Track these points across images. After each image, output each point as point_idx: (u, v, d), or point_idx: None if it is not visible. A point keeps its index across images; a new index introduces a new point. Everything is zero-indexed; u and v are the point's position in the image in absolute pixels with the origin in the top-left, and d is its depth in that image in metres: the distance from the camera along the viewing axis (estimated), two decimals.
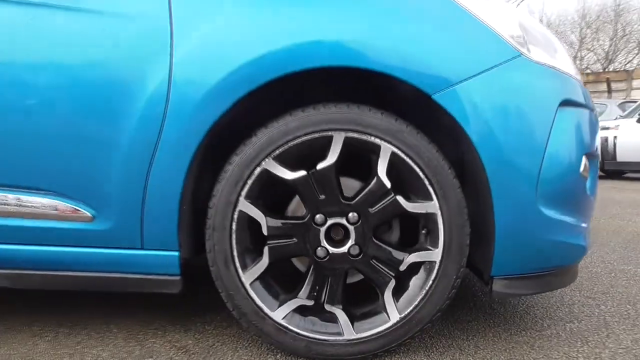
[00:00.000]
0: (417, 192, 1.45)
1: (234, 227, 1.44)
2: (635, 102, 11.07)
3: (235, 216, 1.43)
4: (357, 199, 1.44)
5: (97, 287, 1.51)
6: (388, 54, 1.38)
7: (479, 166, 1.42)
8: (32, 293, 2.01)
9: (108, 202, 1.44)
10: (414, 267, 1.48)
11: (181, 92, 1.39)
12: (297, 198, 1.60)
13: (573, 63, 1.66)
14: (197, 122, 1.40)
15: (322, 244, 1.45)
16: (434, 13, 1.44)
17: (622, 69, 24.46)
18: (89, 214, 1.45)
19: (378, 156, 1.42)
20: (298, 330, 1.46)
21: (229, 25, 1.42)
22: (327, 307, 1.48)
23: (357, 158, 1.50)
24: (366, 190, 1.44)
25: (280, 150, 1.42)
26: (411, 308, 1.46)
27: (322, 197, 1.44)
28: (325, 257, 1.46)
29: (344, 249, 1.46)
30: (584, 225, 1.60)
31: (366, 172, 1.48)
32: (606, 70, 26.07)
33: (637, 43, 29.01)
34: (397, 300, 1.48)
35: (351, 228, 1.45)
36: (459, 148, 1.57)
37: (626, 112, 9.65)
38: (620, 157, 8.55)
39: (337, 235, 1.47)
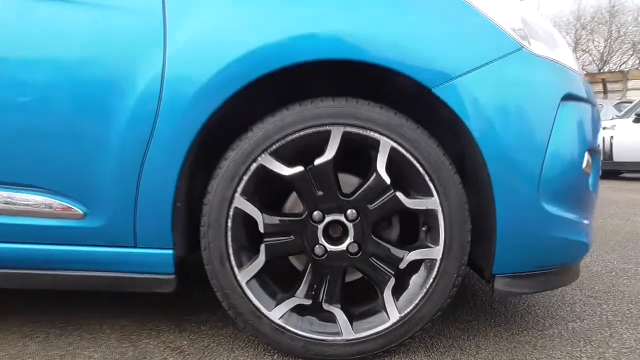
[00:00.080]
0: (417, 188, 1.42)
1: (229, 224, 1.40)
2: (631, 102, 11.08)
3: (231, 213, 1.40)
4: (355, 195, 1.41)
5: (89, 287, 1.47)
6: (387, 47, 1.35)
7: (479, 161, 1.39)
8: (22, 293, 1.96)
9: (100, 199, 1.40)
10: (414, 265, 1.45)
11: (174, 88, 1.36)
12: (294, 195, 1.56)
13: (575, 57, 1.63)
14: (191, 118, 1.36)
15: (320, 242, 1.42)
16: (434, 4, 1.41)
17: (617, 70, 24.54)
18: (80, 212, 1.41)
19: (377, 151, 1.39)
20: (295, 330, 1.43)
21: (224, 18, 1.38)
22: (326, 306, 1.45)
23: (356, 153, 1.46)
24: (365, 186, 1.41)
25: (277, 145, 1.38)
26: (411, 307, 1.43)
27: (320, 193, 1.40)
28: (323, 255, 1.42)
29: (343, 246, 1.42)
30: (586, 222, 1.57)
31: (365, 168, 1.45)
32: (601, 71, 26.15)
33: (631, 44, 29.13)
34: (397, 299, 1.44)
35: (350, 225, 1.41)
36: (458, 143, 1.54)
37: (622, 112, 9.66)
38: (617, 157, 8.55)
39: (335, 233, 1.43)
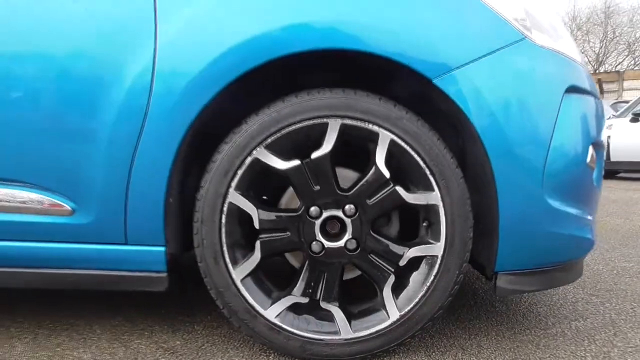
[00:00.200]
0: (417, 182, 1.38)
1: (223, 220, 1.35)
2: (627, 102, 11.09)
3: (225, 208, 1.35)
4: (354, 190, 1.36)
5: (77, 285, 1.42)
6: (385, 36, 1.31)
7: (481, 155, 1.35)
8: (9, 292, 1.91)
9: (88, 195, 1.35)
10: (415, 262, 1.40)
11: (165, 80, 1.31)
12: (290, 190, 1.51)
13: (578, 49, 1.59)
14: (183, 111, 1.32)
15: (317, 238, 1.37)
16: None
17: (613, 71, 24.60)
18: (68, 207, 1.36)
19: (376, 144, 1.35)
20: (292, 330, 1.38)
21: (217, 7, 1.33)
22: (323, 304, 1.40)
23: (354, 147, 1.42)
24: (364, 180, 1.36)
25: (273, 138, 1.33)
26: (411, 305, 1.38)
27: (317, 188, 1.36)
28: (320, 252, 1.37)
29: (341, 243, 1.37)
30: (590, 217, 1.53)
31: (364, 161, 1.40)
32: (597, 71, 26.20)
33: (626, 45, 29.21)
34: (397, 297, 1.40)
35: (348, 221, 1.37)
36: (459, 137, 1.50)
37: (619, 112, 9.66)
38: (614, 156, 8.53)
39: (333, 229, 1.39)
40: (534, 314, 1.80)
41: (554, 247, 1.44)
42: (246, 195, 1.36)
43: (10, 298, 1.89)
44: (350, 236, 1.37)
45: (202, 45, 1.31)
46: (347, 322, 1.38)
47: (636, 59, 28.46)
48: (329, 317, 1.40)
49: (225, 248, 1.36)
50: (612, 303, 1.94)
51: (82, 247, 1.39)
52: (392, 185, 1.36)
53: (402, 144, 1.33)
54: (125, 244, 1.38)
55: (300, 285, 1.40)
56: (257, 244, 1.37)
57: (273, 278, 1.47)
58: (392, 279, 1.39)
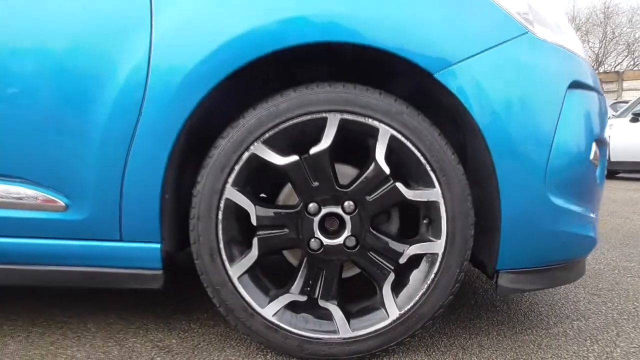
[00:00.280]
0: (418, 178, 1.35)
1: (220, 216, 1.32)
2: (627, 102, 11.07)
3: (222, 205, 1.32)
4: (353, 186, 1.34)
5: (71, 283, 1.39)
6: (386, 29, 1.28)
7: (483, 151, 1.33)
8: (3, 290, 1.88)
9: (82, 190, 1.33)
10: (415, 260, 1.38)
11: (161, 73, 1.28)
12: (288, 186, 1.49)
13: (581, 45, 1.57)
14: (179, 105, 1.29)
15: (315, 235, 1.35)
16: None
17: (612, 71, 24.60)
18: (61, 203, 1.33)
19: (376, 140, 1.32)
20: (290, 328, 1.35)
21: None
22: (322, 303, 1.37)
23: (354, 142, 1.39)
24: (363, 177, 1.33)
25: (271, 133, 1.31)
26: (411, 304, 1.35)
27: (316, 184, 1.33)
28: (319, 249, 1.35)
29: (339, 240, 1.35)
30: (592, 215, 1.51)
31: (363, 157, 1.37)
32: (596, 72, 26.18)
33: (626, 45, 29.20)
34: (397, 296, 1.37)
35: (347, 218, 1.34)
36: (460, 133, 1.48)
37: (619, 112, 9.64)
38: (614, 156, 8.50)
39: (331, 226, 1.36)
40: (536, 314, 1.77)
41: (557, 245, 1.42)
42: (243, 191, 1.34)
43: (4, 296, 1.86)
44: (350, 233, 1.34)
45: (199, 39, 1.28)
46: (345, 321, 1.36)
47: (635, 60, 28.47)
48: (327, 315, 1.37)
49: (221, 245, 1.33)
50: (614, 303, 1.92)
51: (76, 244, 1.36)
52: (392, 181, 1.33)
53: (403, 139, 1.31)
54: (120, 240, 1.36)
55: (298, 283, 1.38)
56: (255, 241, 1.35)
57: (271, 276, 1.45)
58: (391, 277, 1.37)
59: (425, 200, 1.34)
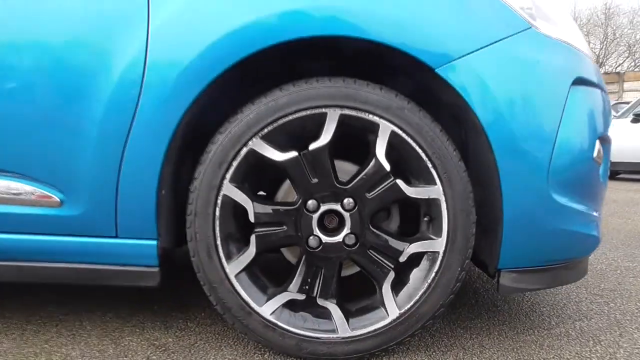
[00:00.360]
0: (419, 175, 1.33)
1: (217, 213, 1.30)
2: (628, 103, 11.04)
3: (219, 201, 1.30)
4: (353, 183, 1.31)
5: (66, 279, 1.37)
6: (387, 23, 1.25)
7: (485, 148, 1.30)
8: None
9: (78, 185, 1.30)
10: (415, 259, 1.35)
11: (158, 67, 1.26)
12: (287, 182, 1.46)
13: (585, 41, 1.55)
14: (176, 99, 1.27)
15: (314, 233, 1.32)
16: None
17: (613, 72, 24.57)
18: (56, 198, 1.31)
19: (376, 136, 1.30)
20: (288, 327, 1.33)
21: None
22: (320, 301, 1.35)
23: (354, 138, 1.37)
24: (363, 173, 1.31)
25: (269, 128, 1.28)
26: (412, 303, 1.33)
27: (315, 181, 1.31)
28: (318, 247, 1.33)
29: (339, 237, 1.33)
30: (595, 214, 1.49)
31: (363, 154, 1.35)
32: None
33: (627, 46, 29.20)
34: (397, 295, 1.35)
35: (346, 215, 1.32)
36: (461, 130, 1.46)
37: (620, 113, 9.61)
38: (615, 157, 8.45)
39: (331, 223, 1.34)
40: (537, 314, 1.75)
41: (560, 244, 1.40)
42: (241, 187, 1.32)
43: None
44: (349, 231, 1.32)
45: (196, 32, 1.26)
46: (344, 320, 1.33)
47: (636, 61, 28.46)
48: (326, 314, 1.35)
49: (219, 242, 1.31)
50: (616, 303, 1.89)
51: (71, 240, 1.33)
52: (392, 178, 1.31)
53: (404, 135, 1.29)
54: (116, 237, 1.34)
55: (296, 282, 1.36)
56: (252, 238, 1.32)
57: (269, 274, 1.42)
58: (391, 276, 1.35)
59: (426, 197, 1.32)
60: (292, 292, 1.35)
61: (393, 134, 1.29)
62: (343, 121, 1.29)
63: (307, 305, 1.36)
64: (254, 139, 1.28)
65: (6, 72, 1.29)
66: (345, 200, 1.31)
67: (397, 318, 1.33)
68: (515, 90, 1.30)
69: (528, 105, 1.30)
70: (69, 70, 1.27)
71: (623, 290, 2.07)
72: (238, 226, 1.36)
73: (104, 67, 1.26)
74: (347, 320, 1.34)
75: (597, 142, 1.44)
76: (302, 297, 1.35)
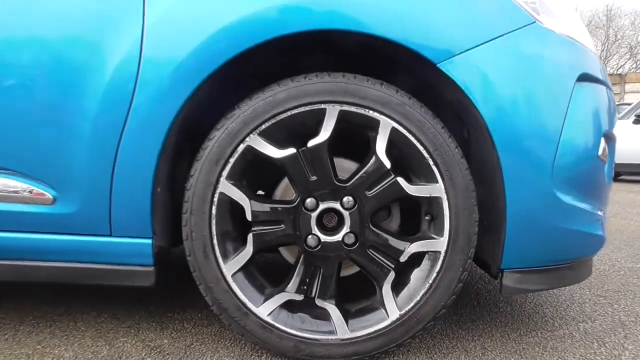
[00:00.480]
0: (420, 173, 1.30)
1: (214, 211, 1.27)
2: (629, 104, 11.01)
3: (216, 199, 1.27)
4: (352, 181, 1.28)
5: (59, 278, 1.33)
6: (388, 17, 1.22)
7: (488, 145, 1.27)
8: None
9: (71, 182, 1.27)
10: (416, 258, 1.32)
11: (153, 61, 1.23)
12: (285, 180, 1.43)
13: (590, 37, 1.52)
14: (172, 94, 1.24)
15: (313, 232, 1.29)
16: None
17: (615, 73, 24.54)
18: (49, 196, 1.28)
19: (377, 133, 1.27)
20: (285, 328, 1.30)
21: None
22: (319, 302, 1.32)
23: (354, 135, 1.34)
24: (363, 171, 1.28)
25: (267, 124, 1.25)
26: (412, 304, 1.30)
27: (314, 178, 1.28)
28: (316, 247, 1.30)
29: (338, 237, 1.30)
30: (600, 213, 1.46)
31: (363, 151, 1.32)
32: None
33: (628, 48, 29.17)
34: (397, 296, 1.32)
35: (346, 214, 1.29)
36: (463, 127, 1.43)
37: (622, 114, 9.57)
38: (616, 158, 8.39)
39: (330, 222, 1.31)
40: (540, 315, 1.72)
41: (564, 244, 1.37)
42: (238, 185, 1.29)
43: None
44: (348, 230, 1.29)
45: (192, 26, 1.23)
46: (343, 321, 1.30)
47: (638, 62, 28.43)
48: (324, 315, 1.32)
49: (215, 241, 1.28)
50: (620, 304, 1.86)
51: (64, 239, 1.30)
52: (393, 176, 1.28)
53: (404, 132, 1.26)
54: (110, 235, 1.31)
55: (294, 282, 1.32)
56: (250, 237, 1.29)
57: (266, 274, 1.39)
58: (392, 276, 1.32)
59: (428, 195, 1.29)
60: (290, 293, 1.32)
61: (394, 131, 1.26)
62: (342, 117, 1.26)
63: (305, 306, 1.33)
64: (251, 135, 1.25)
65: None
66: (345, 199, 1.28)
67: (398, 319, 1.30)
68: (519, 86, 1.27)
69: (532, 102, 1.27)
70: (63, 66, 1.24)
71: (627, 291, 2.04)
72: (235, 225, 1.33)
73: (98, 63, 1.24)
74: (346, 322, 1.31)
75: (602, 140, 1.41)
76: (300, 297, 1.32)
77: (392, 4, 1.22)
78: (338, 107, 1.25)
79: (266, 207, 1.30)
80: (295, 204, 1.29)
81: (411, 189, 1.29)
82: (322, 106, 1.25)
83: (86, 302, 1.73)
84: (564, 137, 1.29)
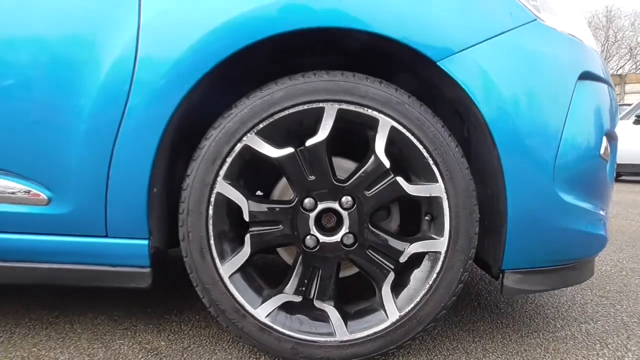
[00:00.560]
0: (419, 172, 1.28)
1: (210, 211, 1.25)
2: (630, 105, 11.00)
3: (213, 199, 1.25)
4: (351, 180, 1.27)
5: (54, 281, 1.32)
6: (387, 15, 1.21)
7: (489, 144, 1.26)
8: None
9: (66, 183, 1.25)
10: (416, 259, 1.31)
11: (149, 59, 1.21)
12: (283, 180, 1.41)
13: (591, 34, 1.50)
14: (168, 93, 1.22)
15: (311, 232, 1.28)
16: None
17: (615, 74, 24.54)
18: (43, 196, 1.26)
19: (376, 131, 1.25)
20: (284, 330, 1.28)
21: None
22: (317, 303, 1.30)
23: (352, 134, 1.32)
24: (362, 171, 1.26)
25: (265, 123, 1.24)
26: (412, 305, 1.28)
27: (312, 178, 1.26)
28: (315, 247, 1.28)
29: (337, 237, 1.28)
30: (603, 212, 1.44)
31: (362, 150, 1.30)
32: None
33: (628, 49, 29.17)
34: (397, 297, 1.30)
35: (344, 214, 1.27)
36: (464, 127, 1.41)
37: (622, 115, 9.56)
38: (617, 159, 8.41)
39: (328, 222, 1.29)
40: (542, 316, 1.70)
41: (566, 244, 1.35)
42: (235, 185, 1.27)
43: None
44: (347, 230, 1.27)
45: (188, 24, 1.21)
46: (342, 322, 1.28)
47: (638, 63, 28.43)
48: (323, 317, 1.30)
49: (212, 242, 1.26)
50: (623, 305, 1.84)
51: (59, 240, 1.28)
52: (392, 175, 1.26)
53: (404, 130, 1.24)
54: (106, 236, 1.29)
55: (292, 283, 1.31)
56: (247, 237, 1.28)
57: (264, 275, 1.38)
58: (391, 277, 1.30)
59: (428, 195, 1.27)
60: (288, 294, 1.30)
61: (393, 130, 1.24)
62: (341, 116, 1.24)
63: (303, 308, 1.31)
64: (248, 135, 1.24)
65: None
66: (344, 199, 1.26)
67: (397, 321, 1.28)
68: (520, 84, 1.25)
69: (533, 100, 1.26)
70: (58, 65, 1.23)
71: (629, 292, 2.02)
72: (232, 225, 1.31)
73: (93, 61, 1.22)
74: (345, 323, 1.29)
75: (604, 139, 1.39)
76: (298, 299, 1.30)
77: (392, 2, 1.20)
78: (336, 106, 1.24)
79: (264, 207, 1.28)
80: (293, 204, 1.27)
81: (411, 189, 1.27)
82: (321, 105, 1.23)
83: (83, 304, 1.72)
84: (565, 135, 1.27)
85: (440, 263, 1.27)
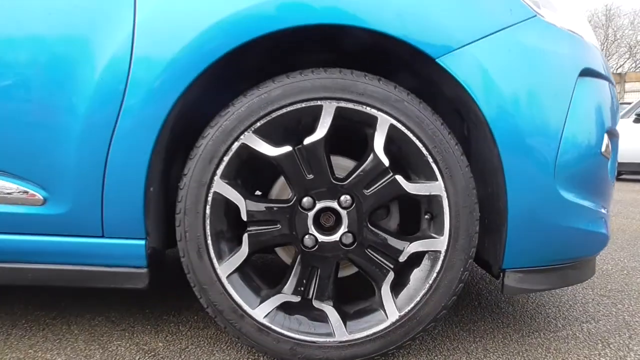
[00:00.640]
0: (419, 171, 1.27)
1: (208, 211, 1.24)
2: (630, 104, 10.99)
3: (210, 198, 1.24)
4: (350, 179, 1.25)
5: (50, 282, 1.30)
6: (386, 12, 1.19)
7: (489, 142, 1.24)
8: None
9: (62, 183, 1.24)
10: (416, 258, 1.29)
11: (145, 57, 1.20)
12: (282, 179, 1.40)
13: (592, 31, 1.49)
14: (164, 91, 1.20)
15: (310, 231, 1.26)
16: None
17: (614, 73, 24.53)
18: (39, 196, 1.25)
19: (374, 130, 1.24)
20: (282, 331, 1.27)
21: None
22: (316, 303, 1.29)
23: (351, 132, 1.31)
24: (360, 169, 1.25)
25: (262, 122, 1.22)
26: (412, 305, 1.27)
27: (310, 177, 1.25)
28: (313, 247, 1.26)
29: (335, 237, 1.27)
30: (604, 210, 1.43)
31: (361, 149, 1.29)
32: None
33: (628, 47, 29.16)
34: (396, 296, 1.29)
35: (343, 213, 1.26)
36: (463, 124, 1.40)
37: (622, 113, 9.55)
38: (618, 157, 8.40)
39: (327, 222, 1.28)
40: (543, 316, 1.69)
41: (567, 243, 1.34)
42: (233, 184, 1.25)
43: None
44: (346, 229, 1.26)
45: (184, 22, 1.20)
46: (342, 323, 1.27)
47: (637, 62, 28.43)
48: (322, 317, 1.29)
49: (209, 241, 1.25)
50: (624, 304, 1.83)
51: (55, 240, 1.27)
52: (391, 174, 1.25)
53: (403, 129, 1.22)
54: (102, 236, 1.27)
55: (291, 283, 1.29)
56: (245, 237, 1.26)
57: (262, 275, 1.36)
58: (391, 276, 1.28)
59: (427, 194, 1.26)
60: (287, 294, 1.29)
61: (392, 128, 1.23)
62: (339, 114, 1.23)
63: (302, 308, 1.30)
64: (246, 133, 1.22)
65: None
66: (342, 198, 1.25)
67: (397, 321, 1.27)
68: (520, 81, 1.24)
69: (533, 97, 1.24)
70: (53, 65, 1.21)
71: (631, 290, 2.01)
72: (230, 225, 1.30)
73: (88, 61, 1.21)
74: (345, 323, 1.27)
75: (605, 136, 1.38)
76: (297, 299, 1.29)
77: (395, 2, 1.19)
78: (335, 104, 1.22)
79: (261, 206, 1.27)
80: (291, 203, 1.26)
81: (410, 187, 1.25)
82: (319, 103, 1.22)
83: (80, 305, 1.70)
84: (566, 133, 1.26)
85: (440, 262, 1.26)
